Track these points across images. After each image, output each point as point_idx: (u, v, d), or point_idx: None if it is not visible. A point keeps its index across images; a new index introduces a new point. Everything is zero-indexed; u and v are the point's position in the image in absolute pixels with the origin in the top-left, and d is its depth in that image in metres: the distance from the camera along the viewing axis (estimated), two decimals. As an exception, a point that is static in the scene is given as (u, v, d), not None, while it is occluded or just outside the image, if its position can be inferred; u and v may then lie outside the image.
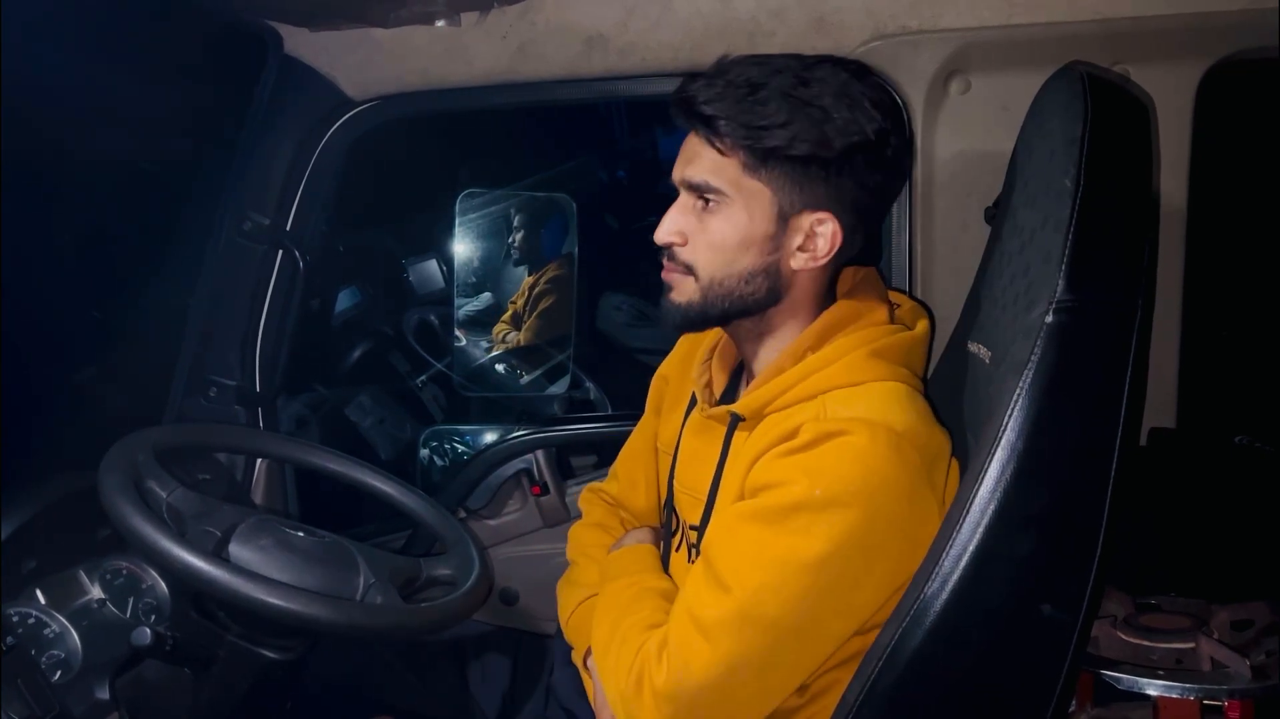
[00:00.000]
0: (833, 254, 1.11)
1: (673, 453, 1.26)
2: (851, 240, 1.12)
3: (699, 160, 1.10)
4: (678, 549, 1.26)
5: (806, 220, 1.09)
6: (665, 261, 1.14)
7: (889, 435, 1.00)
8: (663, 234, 1.12)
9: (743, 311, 1.13)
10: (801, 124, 1.06)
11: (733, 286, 1.11)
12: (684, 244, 1.12)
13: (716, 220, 1.10)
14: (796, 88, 1.07)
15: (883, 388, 1.07)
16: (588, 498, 1.45)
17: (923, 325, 1.17)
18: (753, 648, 1.00)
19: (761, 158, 1.07)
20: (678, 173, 1.12)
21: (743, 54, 1.13)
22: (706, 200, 1.10)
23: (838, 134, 1.06)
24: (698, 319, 1.13)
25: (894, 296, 1.22)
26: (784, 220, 1.09)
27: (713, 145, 1.08)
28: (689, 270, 1.12)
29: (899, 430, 1.01)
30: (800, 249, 1.10)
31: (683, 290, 1.13)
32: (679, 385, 1.33)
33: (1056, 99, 1.04)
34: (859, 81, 1.09)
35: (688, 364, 1.31)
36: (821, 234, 1.10)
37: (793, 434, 1.03)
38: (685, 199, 1.12)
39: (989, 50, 1.33)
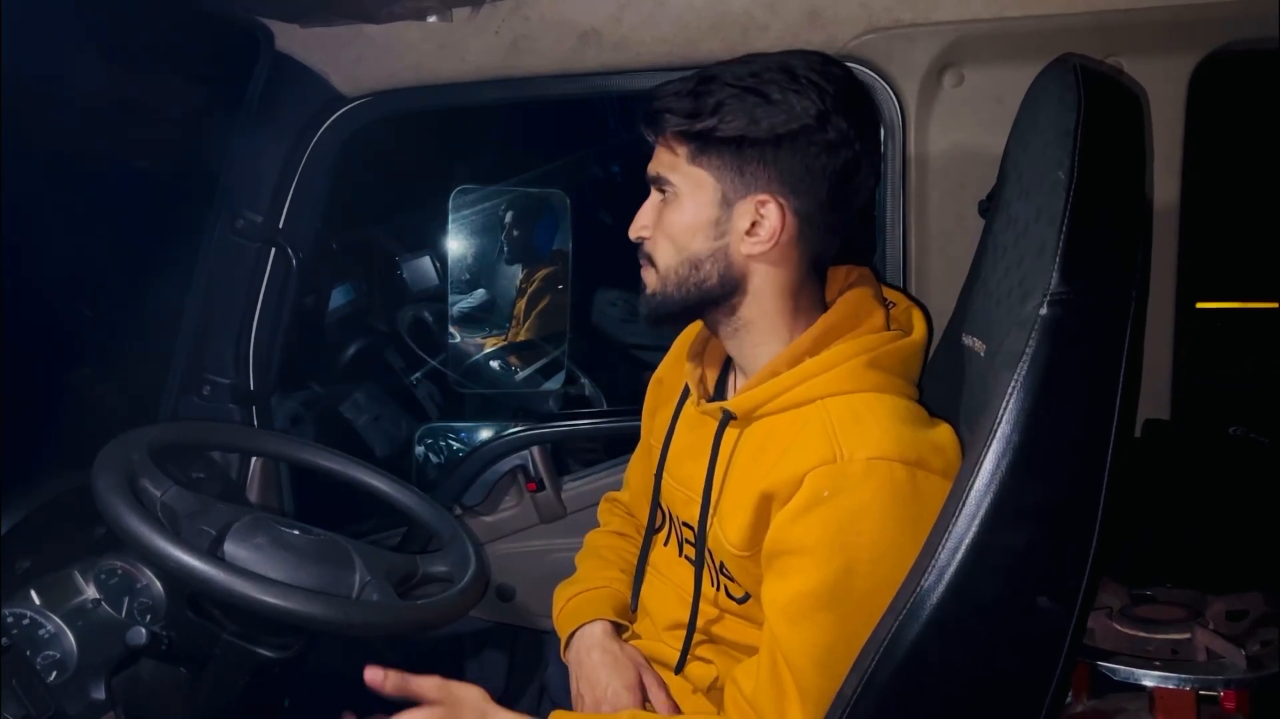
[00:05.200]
0: (783, 239, 1.11)
1: (662, 447, 1.26)
2: (810, 227, 1.12)
3: (656, 157, 1.16)
4: (665, 544, 1.27)
5: (750, 204, 1.11)
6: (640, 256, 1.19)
7: (906, 472, 1.01)
8: (631, 230, 1.18)
9: (702, 301, 1.15)
10: (733, 107, 1.09)
11: (686, 274, 1.14)
12: (649, 238, 1.17)
13: (669, 210, 1.15)
14: (745, 78, 1.10)
15: (879, 400, 1.07)
16: (605, 507, 1.49)
17: (920, 330, 1.17)
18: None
19: (701, 145, 1.11)
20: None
21: (737, 52, 1.15)
22: (664, 193, 1.15)
23: (770, 116, 1.08)
24: (660, 309, 1.17)
25: (889, 295, 1.22)
26: (728, 205, 1.12)
27: (662, 142, 1.14)
28: (651, 262, 1.17)
29: (913, 458, 1.02)
30: (748, 234, 1.11)
31: (649, 282, 1.18)
32: (672, 384, 1.33)
33: (1050, 91, 1.04)
34: (813, 68, 1.10)
35: (681, 362, 1.31)
36: (766, 216, 1.11)
37: (799, 480, 1.03)
38: (652, 195, 1.18)
39: (982, 43, 1.33)
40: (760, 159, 1.10)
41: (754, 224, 1.11)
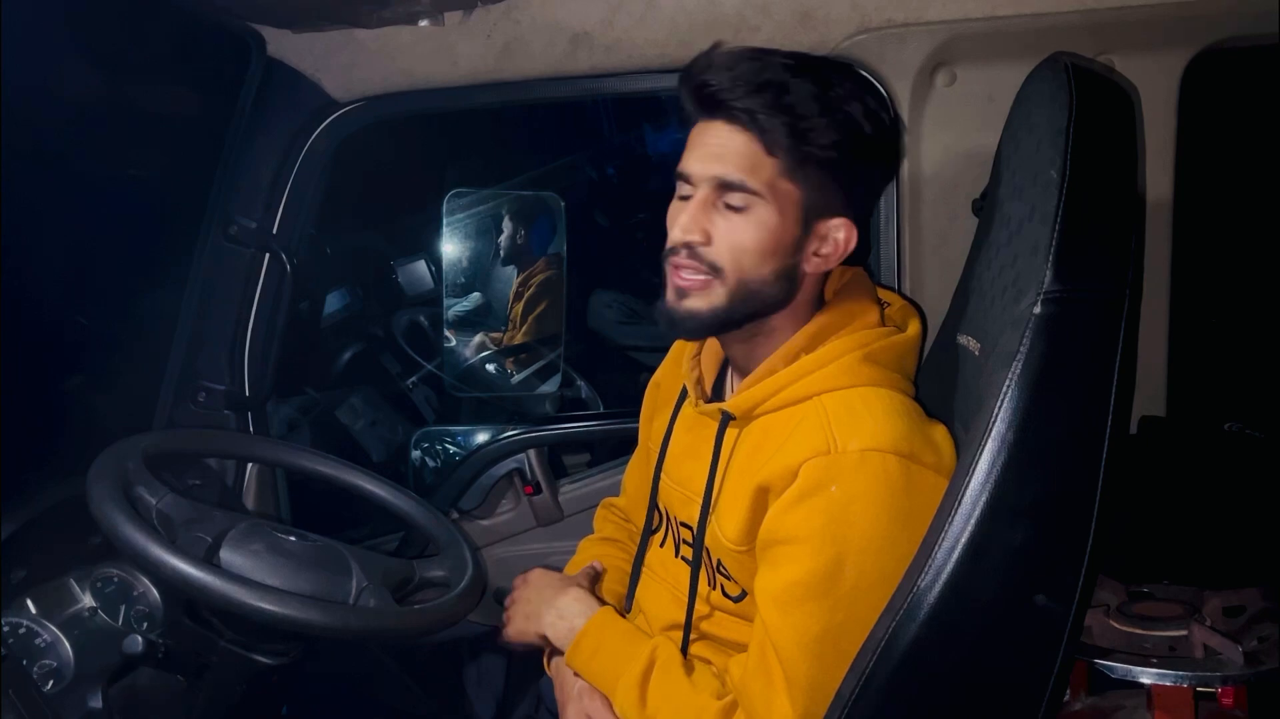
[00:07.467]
0: (840, 255, 1.12)
1: (660, 448, 1.27)
2: (856, 241, 1.13)
3: (732, 157, 1.05)
4: (662, 545, 1.26)
5: (827, 225, 1.10)
6: (682, 260, 1.08)
7: (900, 464, 1.01)
8: (685, 232, 1.06)
9: (758, 314, 1.11)
10: (831, 128, 1.05)
11: (758, 289, 1.08)
12: (707, 243, 1.07)
13: (747, 221, 1.06)
14: (824, 91, 1.05)
15: (876, 394, 1.07)
16: (601, 514, 1.48)
17: (914, 327, 1.17)
18: (829, 687, 1.01)
19: (800, 160, 1.05)
20: (700, 167, 1.07)
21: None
22: (733, 197, 1.06)
23: (856, 138, 1.07)
24: (720, 324, 1.11)
25: (884, 295, 1.22)
26: (809, 224, 1.09)
27: (758, 143, 1.05)
28: (714, 271, 1.07)
29: (906, 451, 1.02)
30: (816, 253, 1.10)
31: (708, 295, 1.08)
32: (669, 387, 1.33)
33: (1041, 90, 1.05)
34: (853, 82, 1.10)
35: (678, 366, 1.31)
36: (837, 239, 1.10)
37: (795, 471, 1.03)
38: (707, 195, 1.07)
39: (974, 42, 1.33)
40: (842, 181, 1.08)
41: (823, 242, 1.10)
